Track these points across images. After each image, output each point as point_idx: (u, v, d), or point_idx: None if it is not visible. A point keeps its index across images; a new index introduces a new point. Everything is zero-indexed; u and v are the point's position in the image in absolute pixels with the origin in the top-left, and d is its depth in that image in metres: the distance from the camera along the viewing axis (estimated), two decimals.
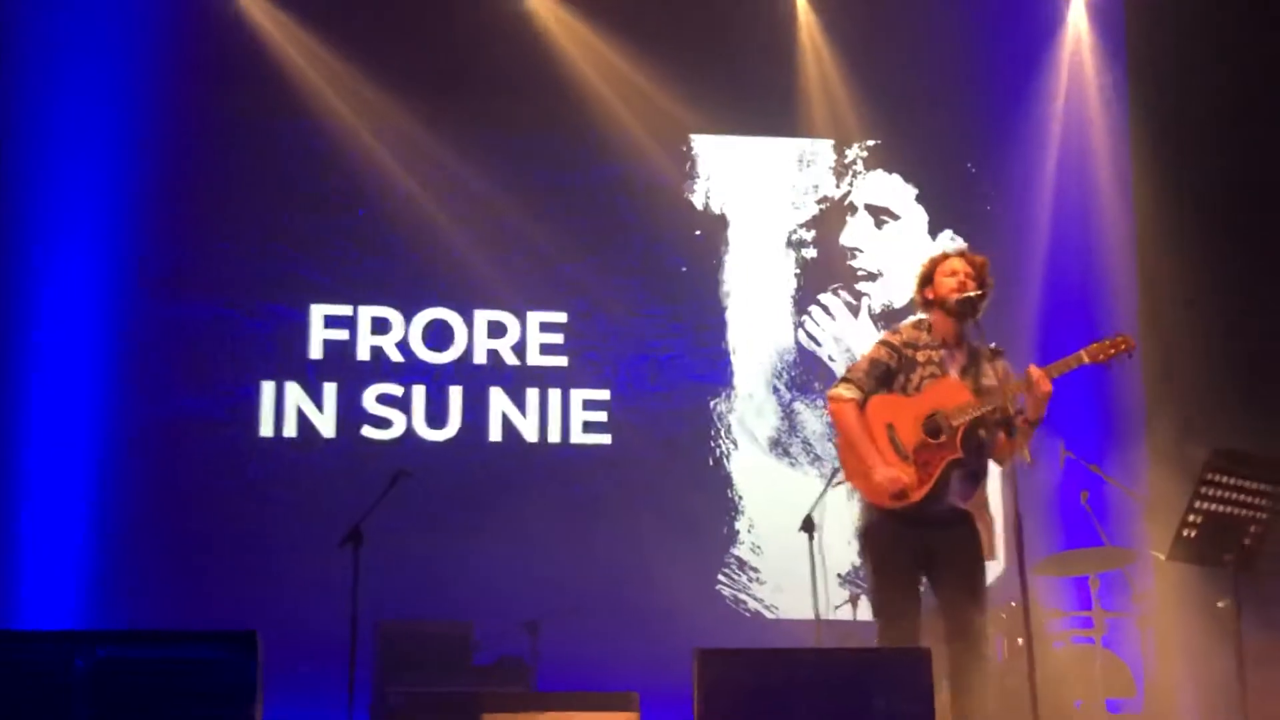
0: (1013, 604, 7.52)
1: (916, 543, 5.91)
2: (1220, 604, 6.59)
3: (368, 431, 9.40)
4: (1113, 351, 5.90)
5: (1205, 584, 7.70)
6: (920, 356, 6.04)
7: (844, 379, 6.08)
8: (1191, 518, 5.84)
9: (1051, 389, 5.83)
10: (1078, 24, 10.31)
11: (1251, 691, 5.85)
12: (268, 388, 9.33)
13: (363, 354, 9.51)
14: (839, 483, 6.07)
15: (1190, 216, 9.35)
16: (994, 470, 6.48)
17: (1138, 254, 9.87)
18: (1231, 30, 9.35)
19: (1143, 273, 9.80)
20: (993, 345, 5.84)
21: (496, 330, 9.69)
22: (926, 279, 6.15)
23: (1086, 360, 5.92)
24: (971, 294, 5.94)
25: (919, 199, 10.24)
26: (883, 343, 6.12)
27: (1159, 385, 9.39)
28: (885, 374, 6.02)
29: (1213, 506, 5.84)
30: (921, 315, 6.24)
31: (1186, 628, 8.05)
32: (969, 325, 6.02)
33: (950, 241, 9.65)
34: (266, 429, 9.29)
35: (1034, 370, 5.81)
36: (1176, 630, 8.28)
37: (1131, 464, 9.34)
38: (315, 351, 9.44)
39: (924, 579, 6.01)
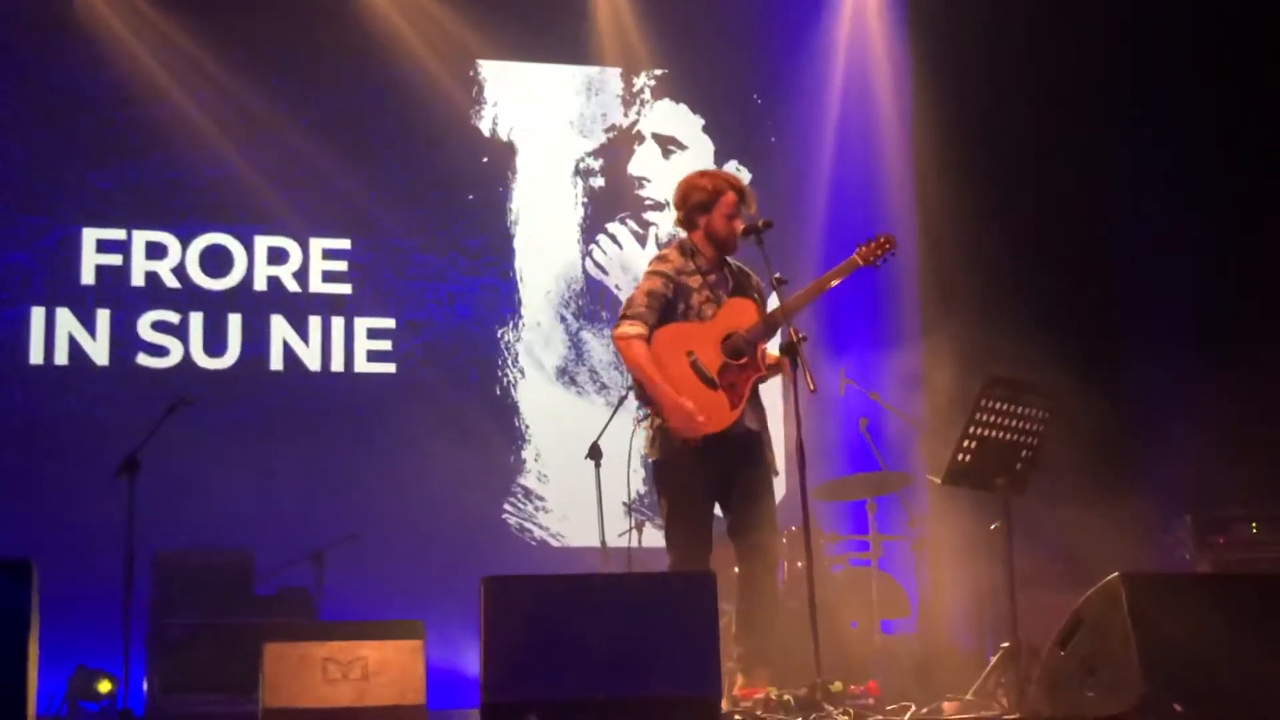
0: (793, 528, 7.65)
1: (713, 471, 5.90)
2: (993, 527, 6.79)
3: (143, 360, 9.13)
4: (880, 252, 6.00)
5: (978, 508, 7.93)
6: (693, 282, 6.01)
7: (626, 315, 5.94)
8: (966, 443, 5.98)
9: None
10: None
11: (1021, 611, 6.04)
12: (37, 314, 8.99)
13: (137, 280, 9.22)
14: (647, 421, 5.97)
15: (967, 145, 9.59)
16: (775, 394, 6.56)
17: (916, 183, 10.09)
18: None
19: (921, 202, 10.02)
20: (777, 275, 5.85)
21: (278, 256, 9.49)
22: (703, 208, 6.10)
23: (859, 263, 6.00)
24: (759, 225, 5.95)
25: (706, 129, 10.30)
26: (656, 273, 6.01)
27: (936, 312, 9.63)
28: (665, 304, 5.97)
29: (986, 432, 5.98)
30: (682, 235, 6.21)
31: (960, 550, 8.29)
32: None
33: (736, 172, 9.72)
34: (36, 356, 8.97)
35: (831, 272, 5.92)
36: (950, 553, 8.52)
37: (908, 391, 9.55)
38: (87, 277, 9.13)
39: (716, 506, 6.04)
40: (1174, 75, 9.54)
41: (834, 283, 5.96)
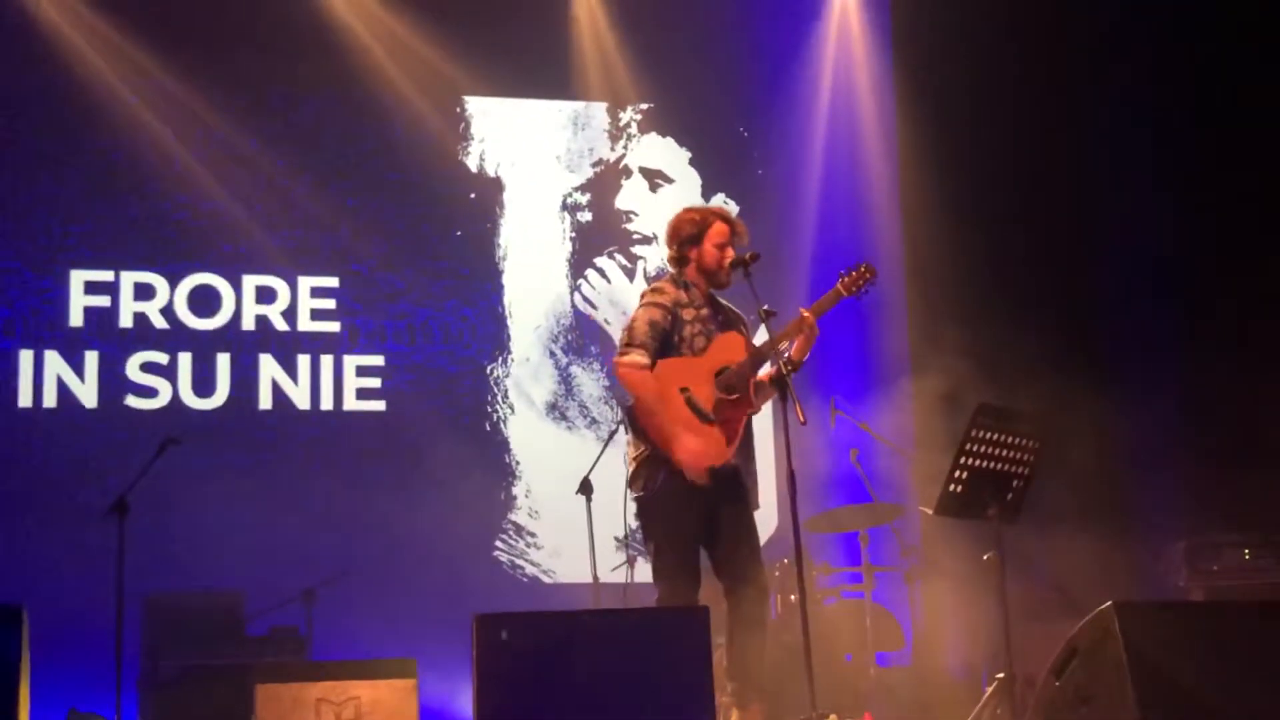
0: (785, 561, 7.64)
1: (700, 506, 5.89)
2: (985, 557, 6.77)
3: (132, 401, 9.11)
4: (861, 282, 6.00)
5: (970, 538, 7.92)
6: (687, 314, 6.02)
7: (630, 345, 5.92)
8: (957, 473, 5.98)
9: (818, 329, 5.89)
10: None
11: (1015, 641, 6.02)
12: (25, 356, 8.97)
13: (125, 321, 9.21)
14: (641, 454, 5.94)
15: (954, 176, 9.62)
16: (766, 426, 6.55)
17: (903, 215, 10.12)
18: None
19: (908, 234, 10.05)
20: (765, 308, 5.85)
21: (266, 295, 9.48)
22: (693, 240, 6.12)
23: (844, 293, 5.99)
24: (746, 258, 5.96)
25: (692, 162, 10.33)
26: (654, 304, 6.01)
27: (925, 342, 9.63)
28: (663, 335, 5.98)
29: (977, 462, 5.98)
30: (672, 271, 6.20)
31: (953, 581, 8.28)
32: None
33: (723, 204, 9.73)
34: (25, 399, 8.94)
35: (804, 311, 5.88)
36: (943, 583, 8.51)
37: (899, 422, 9.56)
38: (75, 319, 9.11)
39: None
40: (1162, 109, 9.59)
41: (820, 313, 5.96)
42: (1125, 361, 9.66)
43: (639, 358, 5.90)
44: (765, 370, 5.98)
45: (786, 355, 5.85)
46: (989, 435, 5.97)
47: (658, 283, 6.23)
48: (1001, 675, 6.01)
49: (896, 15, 10.39)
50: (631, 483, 6.01)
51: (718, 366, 5.95)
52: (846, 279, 6.02)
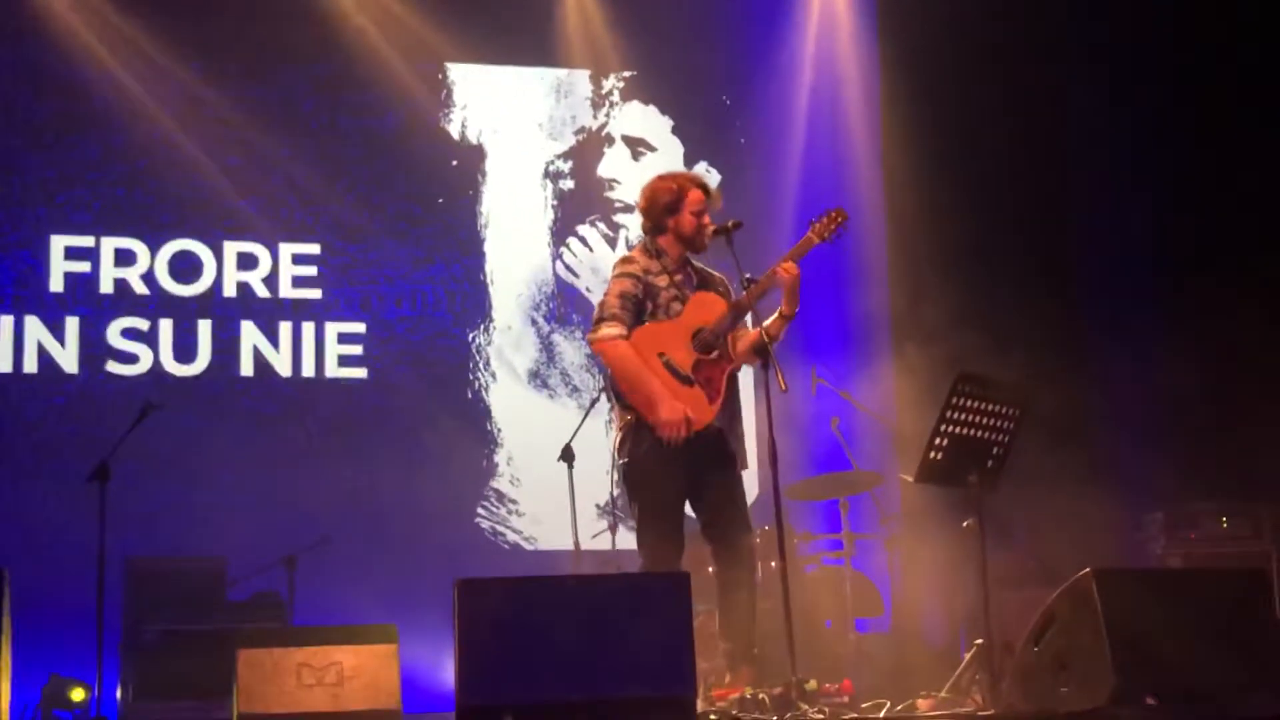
0: (766, 528, 7.67)
1: (683, 471, 5.90)
2: (965, 524, 6.81)
3: (113, 367, 9.10)
4: (833, 226, 6.02)
5: (950, 505, 7.96)
6: (660, 281, 6.02)
7: (604, 318, 5.93)
8: (938, 440, 5.99)
9: (800, 273, 5.90)
10: None
11: (994, 608, 6.05)
12: (5, 322, 8.95)
13: (106, 287, 9.18)
14: (626, 421, 5.95)
15: (936, 141, 9.61)
16: (748, 393, 6.56)
17: (885, 182, 10.11)
18: None
19: (890, 201, 10.05)
20: (747, 275, 5.87)
21: (247, 262, 9.46)
22: (671, 209, 6.10)
23: (815, 240, 5.99)
24: (729, 225, 5.97)
25: (675, 131, 10.31)
26: (626, 275, 6.01)
27: (907, 310, 9.65)
28: (636, 304, 5.98)
29: (958, 429, 5.99)
30: (646, 237, 6.19)
31: (932, 548, 8.31)
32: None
33: (705, 174, 9.72)
34: (5, 365, 8.92)
35: (781, 264, 5.89)
36: (923, 551, 8.54)
37: (880, 390, 9.59)
38: (55, 284, 9.09)
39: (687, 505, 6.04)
40: (1141, 66, 9.59)
41: (792, 261, 5.95)
42: (1106, 330, 9.69)
43: (610, 329, 5.91)
44: (747, 336, 6.00)
45: (769, 321, 5.87)
46: (969, 403, 5.98)
47: (629, 252, 6.24)
48: (980, 641, 6.03)
49: None
50: (618, 449, 6.02)
51: (695, 327, 5.96)
52: (818, 224, 6.03)
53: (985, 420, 6.02)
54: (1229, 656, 5.41)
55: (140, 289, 9.23)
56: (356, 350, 9.55)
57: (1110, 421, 9.14)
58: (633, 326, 5.93)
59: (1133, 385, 9.30)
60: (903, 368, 9.39)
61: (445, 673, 7.83)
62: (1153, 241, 9.53)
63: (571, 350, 9.92)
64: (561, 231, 10.05)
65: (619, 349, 5.89)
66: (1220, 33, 9.18)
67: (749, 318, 6.07)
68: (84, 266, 9.16)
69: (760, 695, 5.58)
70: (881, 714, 5.93)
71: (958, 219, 9.34)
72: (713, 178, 9.57)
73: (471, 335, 9.81)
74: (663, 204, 6.10)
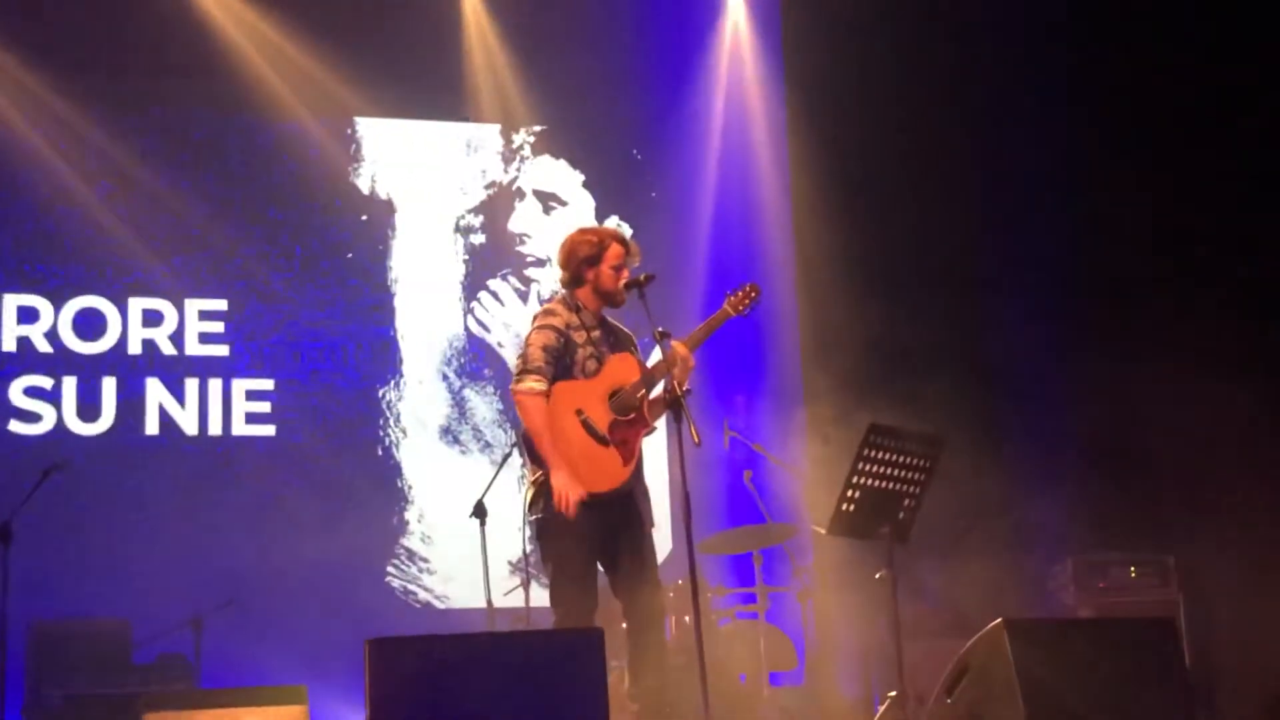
0: (679, 582, 7.64)
1: (595, 528, 5.88)
2: (878, 576, 6.81)
3: (15, 426, 8.93)
4: (747, 301, 6.08)
5: (862, 557, 7.98)
6: (579, 338, 6.02)
7: (527, 370, 5.91)
8: (850, 492, 6.01)
9: (693, 361, 5.92)
10: (736, 15, 10.59)
11: (907, 659, 6.07)
12: None
13: (8, 345, 9.03)
14: (538, 478, 5.92)
15: (843, 199, 9.69)
16: (659, 448, 6.56)
17: (795, 236, 10.18)
18: (881, 20, 9.72)
19: (800, 254, 10.11)
20: (659, 329, 5.88)
21: (152, 319, 9.34)
22: (590, 262, 6.13)
23: (730, 313, 6.07)
24: (641, 279, 5.99)
25: (585, 185, 10.33)
26: (547, 327, 6.00)
27: (816, 363, 9.69)
28: (557, 356, 5.97)
29: (869, 481, 6.01)
30: (564, 290, 6.20)
31: (845, 599, 8.33)
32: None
33: (618, 226, 9.74)
34: None
35: (677, 345, 5.91)
36: (836, 602, 8.57)
37: (792, 442, 9.61)
38: None
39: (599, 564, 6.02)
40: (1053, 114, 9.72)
41: (707, 334, 6.01)
42: (1015, 380, 9.77)
43: (535, 384, 5.89)
44: (658, 391, 6.00)
45: (687, 389, 5.89)
46: (880, 455, 6.01)
47: (549, 304, 6.23)
48: (894, 694, 6.04)
49: (787, 35, 10.45)
50: (530, 506, 6.00)
51: (611, 388, 5.96)
52: (733, 298, 6.10)
53: (896, 472, 6.05)
54: (1139, 705, 5.45)
55: (43, 346, 9.09)
56: (265, 408, 9.45)
57: (1020, 472, 9.21)
58: (553, 380, 5.92)
59: (1042, 434, 9.38)
60: (813, 420, 9.43)
61: None
62: (1063, 288, 9.61)
63: (483, 405, 9.87)
64: (473, 286, 10.02)
65: (539, 406, 5.87)
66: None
67: None
68: None
69: None
70: None
71: (868, 270, 9.41)
72: (625, 230, 9.57)
73: (381, 391, 9.74)
74: (582, 256, 6.11)
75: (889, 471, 6.04)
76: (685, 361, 5.91)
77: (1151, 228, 9.18)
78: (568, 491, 5.79)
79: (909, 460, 6.06)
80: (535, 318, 6.12)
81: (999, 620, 5.49)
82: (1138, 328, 9.00)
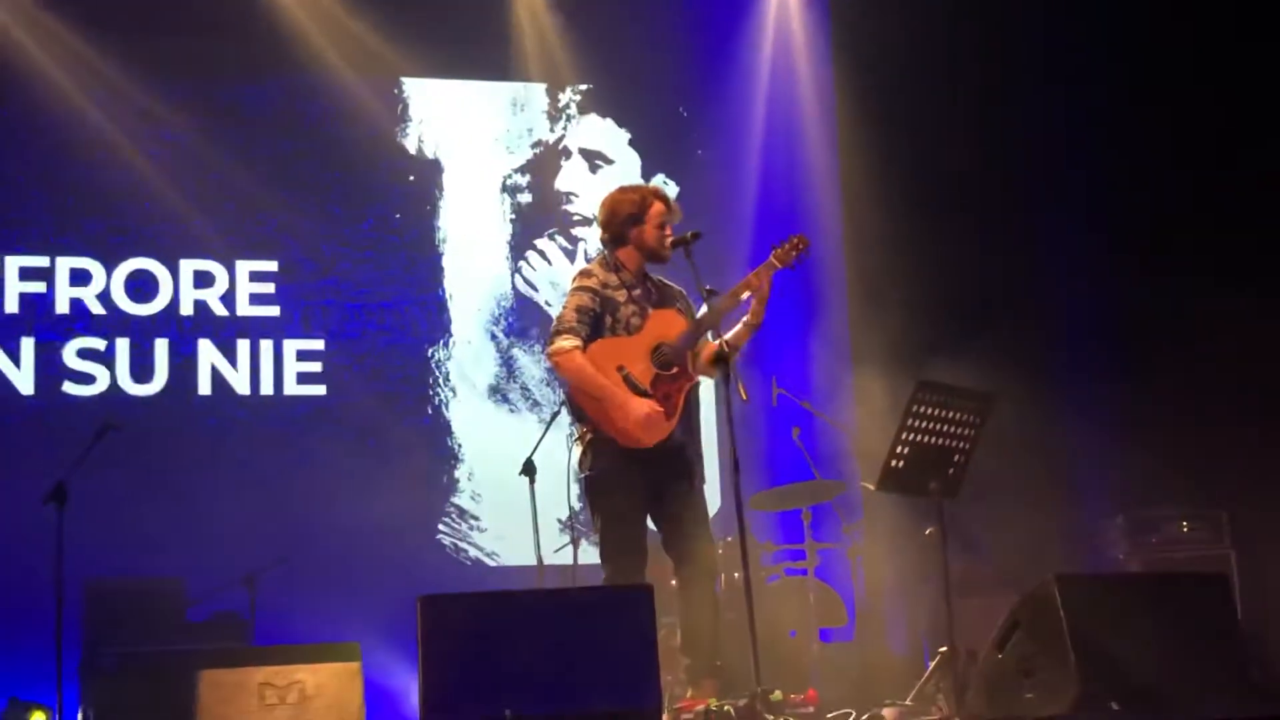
0: (729, 539, 7.66)
1: (645, 484, 5.91)
2: (927, 532, 6.82)
3: (69, 388, 9.03)
4: (794, 253, 6.05)
5: (912, 513, 7.98)
6: (619, 296, 6.03)
7: (560, 331, 5.93)
8: (899, 449, 6.01)
9: (770, 288, 5.93)
10: None
11: (957, 615, 6.07)
12: None
13: (61, 307, 9.12)
14: (585, 436, 5.94)
15: (893, 149, 9.62)
16: (708, 405, 6.55)
17: (842, 190, 10.13)
18: None
19: (848, 210, 10.06)
20: (706, 287, 5.88)
21: (203, 280, 9.40)
22: (634, 220, 6.12)
23: (777, 265, 6.02)
24: (688, 237, 5.98)
25: (632, 143, 10.31)
26: (583, 289, 6.02)
27: (865, 319, 9.66)
28: (594, 319, 5.98)
29: (919, 437, 6.02)
30: (605, 252, 6.20)
31: (895, 556, 8.33)
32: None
33: (663, 185, 9.73)
34: None
35: (751, 275, 5.92)
36: (885, 559, 8.56)
37: (840, 398, 9.60)
38: (10, 305, 9.01)
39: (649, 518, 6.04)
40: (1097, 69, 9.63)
41: (753, 287, 5.98)
42: (1066, 335, 9.72)
43: (566, 342, 5.90)
44: (708, 348, 6.00)
45: (730, 334, 5.90)
46: (930, 411, 6.01)
47: (587, 266, 6.24)
48: (944, 649, 6.05)
49: None
50: (578, 464, 6.03)
51: (654, 343, 5.97)
52: (779, 250, 6.06)
53: (946, 428, 6.05)
54: (1191, 660, 5.43)
55: (96, 309, 9.17)
56: (315, 367, 9.50)
57: (1070, 427, 9.17)
58: (589, 340, 5.93)
59: (1094, 390, 9.33)
60: (863, 376, 9.40)
61: (409, 690, 7.83)
62: (1114, 247, 9.53)
63: (531, 364, 9.89)
64: (520, 245, 10.03)
65: (575, 360, 5.89)
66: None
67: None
68: (39, 287, 9.09)
69: (725, 707, 5.58)
70: None
71: (916, 229, 9.35)
72: (671, 189, 9.56)
73: (431, 350, 9.78)
74: (624, 215, 6.11)
75: (938, 428, 6.04)
76: (766, 290, 5.90)
77: (1216, 161, 9.05)
78: (631, 405, 5.79)
79: (958, 416, 6.05)
80: (573, 280, 6.14)
81: (1050, 575, 5.48)
82: (1194, 281, 8.87)
